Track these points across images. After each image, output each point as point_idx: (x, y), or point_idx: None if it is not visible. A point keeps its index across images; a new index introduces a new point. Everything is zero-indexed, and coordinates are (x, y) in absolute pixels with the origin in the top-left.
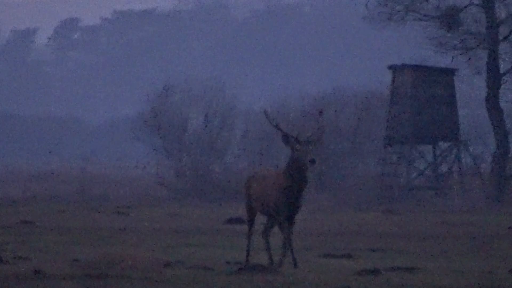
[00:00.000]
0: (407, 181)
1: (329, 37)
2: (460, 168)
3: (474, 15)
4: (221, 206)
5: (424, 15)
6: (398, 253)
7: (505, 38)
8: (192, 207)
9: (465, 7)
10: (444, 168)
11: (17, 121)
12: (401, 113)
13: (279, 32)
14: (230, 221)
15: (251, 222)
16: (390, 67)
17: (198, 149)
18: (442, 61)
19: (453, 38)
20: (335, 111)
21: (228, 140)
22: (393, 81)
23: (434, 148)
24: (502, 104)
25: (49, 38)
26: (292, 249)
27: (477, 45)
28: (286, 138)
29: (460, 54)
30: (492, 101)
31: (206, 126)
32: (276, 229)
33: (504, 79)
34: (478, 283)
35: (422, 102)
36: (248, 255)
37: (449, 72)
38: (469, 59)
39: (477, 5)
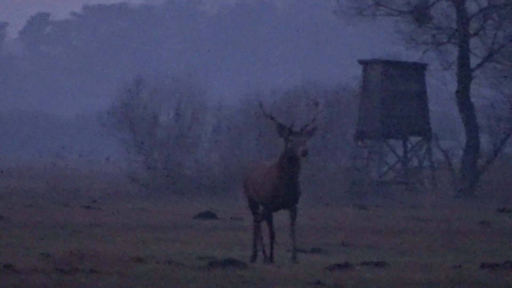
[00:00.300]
0: (378, 176)
1: (300, 32)
2: (430, 163)
3: (445, 10)
4: (192, 201)
5: (395, 10)
6: (369, 248)
7: (476, 33)
8: (163, 202)
9: (436, 1)
10: (414, 163)
11: None
12: (372, 108)
13: (250, 27)
14: (201, 215)
15: (255, 212)
16: (360, 62)
17: (169, 143)
18: (413, 56)
19: (423, 33)
20: (307, 105)
21: (199, 135)
22: (363, 76)
23: (405, 143)
24: (473, 99)
25: (20, 33)
26: (295, 243)
27: (448, 40)
28: (280, 128)
29: (431, 49)
30: (462, 95)
31: (176, 121)
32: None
33: (474, 74)
34: (449, 278)
35: (392, 97)
36: (255, 249)
37: (420, 67)
38: (440, 53)
39: (447, 0)
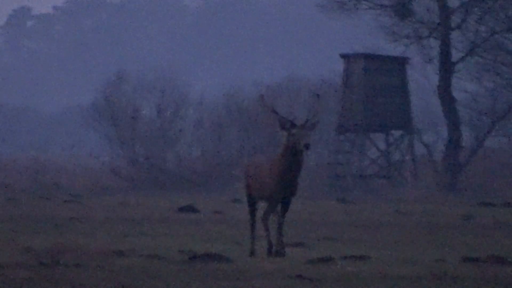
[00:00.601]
0: (359, 169)
1: (282, 26)
2: (412, 157)
3: (427, 4)
4: (174, 195)
5: (377, 4)
6: (351, 241)
7: (457, 27)
8: (145, 195)
9: None
10: (396, 156)
11: None
12: (354, 102)
13: (232, 20)
14: (183, 209)
15: (252, 210)
16: (342, 56)
17: (151, 137)
18: (395, 50)
19: (405, 27)
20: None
21: (181, 129)
22: (345, 69)
23: (387, 136)
24: (455, 93)
25: (2, 27)
26: (281, 235)
27: (430, 34)
28: (282, 122)
29: (413, 43)
30: (444, 89)
31: (158, 114)
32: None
33: (456, 68)
34: (431, 272)
35: (374, 90)
36: (253, 244)
37: (402, 61)
38: (422, 47)
39: None
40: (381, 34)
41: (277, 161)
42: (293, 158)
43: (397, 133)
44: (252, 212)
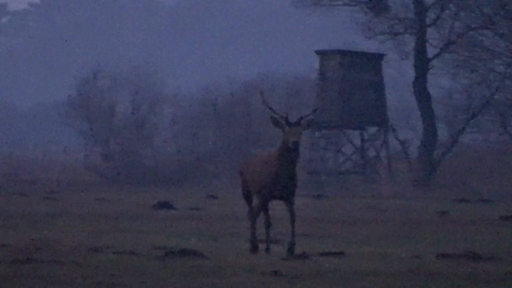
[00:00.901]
0: (335, 166)
1: (258, 22)
2: (387, 153)
3: (402, 1)
4: (150, 191)
5: (352, 0)
6: (327, 238)
7: (433, 23)
8: (120, 192)
9: None
10: (372, 153)
11: None
12: (329, 98)
13: (208, 17)
14: (158, 205)
15: (250, 207)
16: (317, 52)
17: (126, 133)
18: (370, 46)
19: (381, 23)
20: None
21: (156, 125)
22: (320, 66)
23: (362, 133)
24: (430, 89)
25: None
26: (293, 233)
27: (405, 30)
28: (276, 119)
29: (388, 39)
30: (419, 86)
31: (134, 110)
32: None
33: (431, 64)
34: (407, 268)
35: (350, 87)
36: (254, 241)
37: (377, 57)
38: (397, 44)
39: None
40: (356, 30)
41: (274, 157)
42: (287, 155)
43: (372, 129)
44: (251, 205)
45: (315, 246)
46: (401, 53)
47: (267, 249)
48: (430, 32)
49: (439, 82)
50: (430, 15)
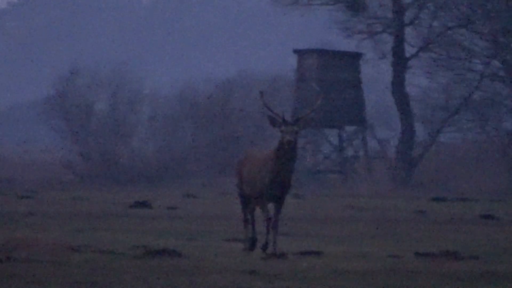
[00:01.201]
0: (313, 165)
1: (236, 21)
2: (366, 152)
3: (380, 0)
4: (128, 190)
5: None
6: (305, 237)
7: (411, 22)
8: (98, 191)
9: None
10: (350, 152)
11: None
12: (307, 97)
13: (185, 15)
14: (137, 205)
15: (245, 206)
16: (295, 51)
17: (104, 132)
18: (348, 45)
19: (359, 23)
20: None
21: (135, 124)
22: (298, 65)
23: (340, 132)
24: (408, 88)
25: None
26: (276, 233)
27: (383, 30)
28: (273, 119)
29: (366, 38)
30: (397, 85)
31: (112, 109)
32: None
33: (409, 64)
34: (385, 267)
35: (327, 86)
36: (251, 240)
37: (355, 56)
38: (375, 43)
39: None
40: (334, 29)
41: (272, 156)
42: (284, 154)
43: (350, 128)
44: (245, 208)
45: (293, 245)
46: (379, 52)
47: (266, 246)
48: (408, 32)
49: (417, 81)
50: (408, 14)
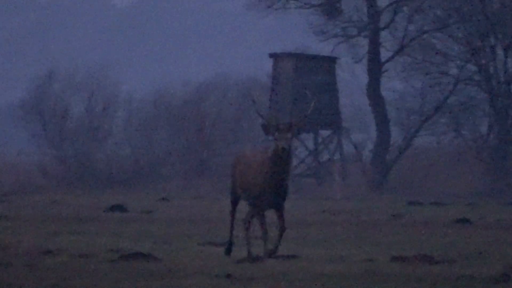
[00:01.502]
0: None
1: (211, 25)
2: (341, 156)
3: (356, 4)
4: (103, 194)
5: (305, 3)
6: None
7: (386, 26)
8: (73, 194)
9: None
10: (325, 155)
11: None
12: (282, 101)
13: (160, 18)
14: (112, 208)
15: (233, 209)
16: (271, 55)
17: (80, 136)
18: (324, 49)
19: (334, 26)
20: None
21: (110, 128)
22: (274, 68)
23: (316, 136)
24: (383, 92)
25: None
26: (278, 242)
27: (358, 33)
28: (266, 127)
29: (341, 42)
30: (373, 89)
31: (88, 113)
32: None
33: (385, 67)
34: (360, 270)
35: (303, 90)
36: (230, 242)
37: (330, 60)
38: (351, 47)
39: None
40: (310, 33)
41: (267, 161)
42: (278, 161)
43: (325, 132)
44: (233, 211)
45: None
46: (355, 56)
47: (250, 253)
48: (384, 35)
49: (392, 85)
50: (384, 18)
